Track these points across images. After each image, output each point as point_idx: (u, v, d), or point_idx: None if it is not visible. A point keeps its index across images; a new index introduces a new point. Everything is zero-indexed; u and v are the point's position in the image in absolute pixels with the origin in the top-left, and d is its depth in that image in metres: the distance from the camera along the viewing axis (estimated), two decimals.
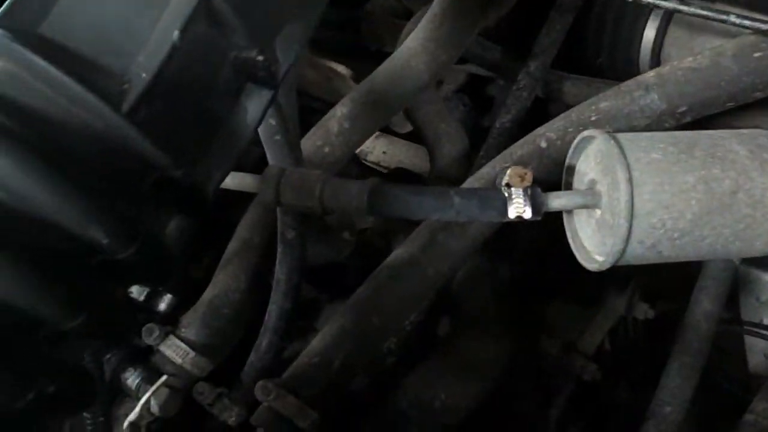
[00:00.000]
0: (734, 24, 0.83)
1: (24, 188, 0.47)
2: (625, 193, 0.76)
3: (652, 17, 1.23)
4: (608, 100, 0.95)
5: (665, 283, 1.51)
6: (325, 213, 0.85)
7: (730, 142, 0.81)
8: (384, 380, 1.12)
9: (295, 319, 1.06)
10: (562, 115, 0.99)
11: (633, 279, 1.47)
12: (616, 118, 0.94)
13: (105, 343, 0.60)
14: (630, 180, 0.76)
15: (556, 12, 1.22)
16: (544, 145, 0.98)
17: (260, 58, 0.57)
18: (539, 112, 1.30)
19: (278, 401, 0.93)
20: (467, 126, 1.50)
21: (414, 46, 1.11)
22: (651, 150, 0.79)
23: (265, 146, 0.96)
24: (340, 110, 1.18)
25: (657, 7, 0.89)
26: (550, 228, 0.97)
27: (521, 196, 0.79)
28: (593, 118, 0.95)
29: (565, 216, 0.90)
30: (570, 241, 0.89)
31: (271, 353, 1.02)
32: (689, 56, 0.94)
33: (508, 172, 0.80)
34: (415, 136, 1.63)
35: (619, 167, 0.77)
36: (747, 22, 0.84)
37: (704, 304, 1.19)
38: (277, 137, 0.94)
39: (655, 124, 0.92)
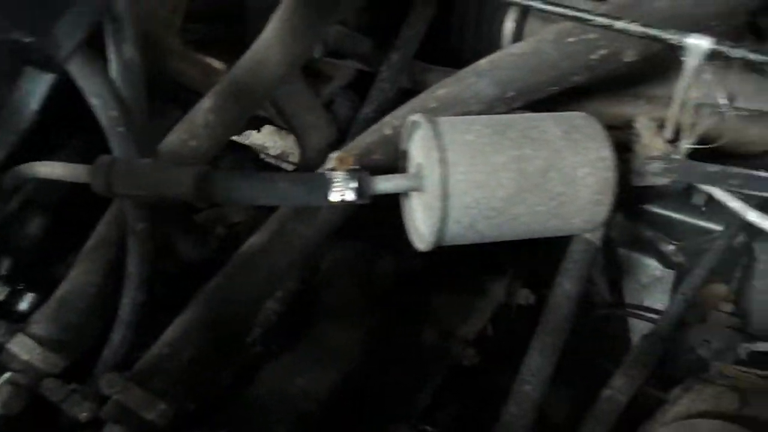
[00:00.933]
0: (553, 13, 0.86)
1: None
2: (438, 174, 0.78)
3: (511, 10, 1.27)
4: (447, 87, 0.98)
5: (547, 269, 1.56)
6: (161, 201, 0.85)
7: (546, 124, 0.85)
8: (249, 372, 1.12)
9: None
10: (406, 103, 1.01)
11: (512, 267, 1.51)
12: (453, 105, 0.97)
13: None
14: (443, 160, 0.79)
15: (418, 5, 1.25)
16: (389, 132, 1.01)
17: (28, 40, 0.57)
18: None
19: (124, 394, 0.93)
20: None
21: (269, 38, 1.12)
22: (466, 132, 0.81)
23: (108, 138, 0.95)
24: (206, 103, 1.18)
25: None
26: None
27: (342, 180, 0.81)
28: (433, 105, 0.98)
29: (401, 200, 0.92)
30: (405, 222, 0.91)
31: (125, 347, 1.01)
32: None
33: (331, 157, 0.81)
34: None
35: (434, 148, 0.79)
36: (569, 12, 0.87)
37: (565, 286, 1.22)
38: (120, 129, 0.93)
39: (488, 109, 0.95)
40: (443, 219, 0.80)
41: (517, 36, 1.26)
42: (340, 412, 1.09)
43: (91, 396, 0.99)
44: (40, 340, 0.99)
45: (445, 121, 0.83)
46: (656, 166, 0.85)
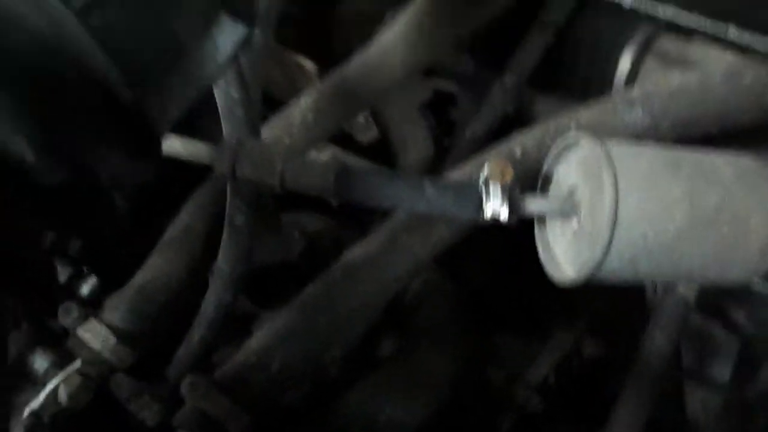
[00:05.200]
0: (730, 40, 0.81)
1: None
2: (610, 201, 0.71)
3: (627, 47, 1.22)
4: (589, 111, 0.92)
5: (613, 322, 1.50)
6: (284, 192, 0.77)
7: (715, 161, 0.78)
8: (325, 393, 1.03)
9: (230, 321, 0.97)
10: (538, 124, 0.95)
11: (581, 315, 1.45)
12: (596, 130, 0.90)
13: None
14: (616, 186, 0.71)
15: (537, 29, 1.20)
16: (518, 152, 0.94)
17: None
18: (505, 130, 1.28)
19: (207, 401, 0.84)
20: None
21: (391, 42, 1.06)
22: (639, 159, 0.75)
23: (222, 119, 0.87)
24: (305, 100, 1.11)
25: (653, 18, 0.86)
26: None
27: (500, 195, 0.73)
28: (572, 129, 0.91)
29: (537, 226, 0.84)
30: (540, 253, 0.83)
31: (203, 349, 0.92)
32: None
33: (488, 164, 0.73)
34: (373, 149, 1.59)
35: (606, 173, 0.72)
36: (746, 36, 0.82)
37: (657, 341, 1.15)
38: (238, 111, 0.86)
39: (636, 139, 0.89)
40: (606, 249, 0.72)
41: (633, 75, 1.22)
42: None
43: (160, 398, 0.90)
44: (114, 330, 0.90)
45: (614, 144, 0.76)
46: None
